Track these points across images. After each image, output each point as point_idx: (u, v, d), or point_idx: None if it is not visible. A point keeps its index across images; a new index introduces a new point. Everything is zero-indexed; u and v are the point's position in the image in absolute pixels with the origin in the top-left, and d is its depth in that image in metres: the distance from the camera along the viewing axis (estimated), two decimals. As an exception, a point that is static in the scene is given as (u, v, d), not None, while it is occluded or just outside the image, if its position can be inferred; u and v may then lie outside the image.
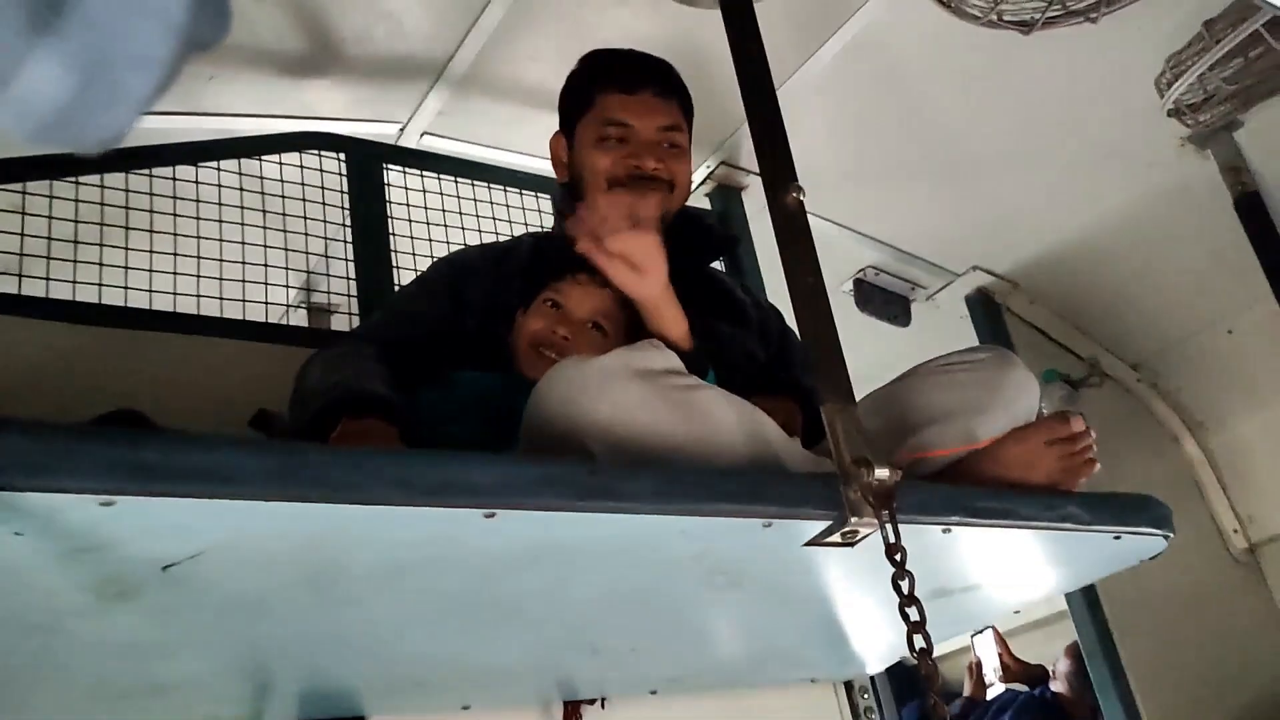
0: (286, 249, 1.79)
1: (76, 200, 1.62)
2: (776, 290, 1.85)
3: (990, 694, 3.28)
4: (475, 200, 2.05)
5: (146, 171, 1.69)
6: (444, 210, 2.01)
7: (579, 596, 1.14)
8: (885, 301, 2.81)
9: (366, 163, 1.96)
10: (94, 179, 1.64)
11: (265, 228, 1.78)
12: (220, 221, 1.74)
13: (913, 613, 1.02)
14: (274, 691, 1.26)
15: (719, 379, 1.30)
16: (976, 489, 1.21)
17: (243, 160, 1.81)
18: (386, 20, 2.00)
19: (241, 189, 1.78)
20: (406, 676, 1.30)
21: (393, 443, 1.17)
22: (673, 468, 1.02)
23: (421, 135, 2.19)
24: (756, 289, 2.02)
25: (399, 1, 1.98)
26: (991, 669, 3.30)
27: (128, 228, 1.64)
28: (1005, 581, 1.46)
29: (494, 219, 2.06)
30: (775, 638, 1.51)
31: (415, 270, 1.84)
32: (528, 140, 2.18)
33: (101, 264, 1.60)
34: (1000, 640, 3.34)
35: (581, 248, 1.28)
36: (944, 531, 1.15)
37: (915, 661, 1.06)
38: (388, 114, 2.17)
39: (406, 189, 1.98)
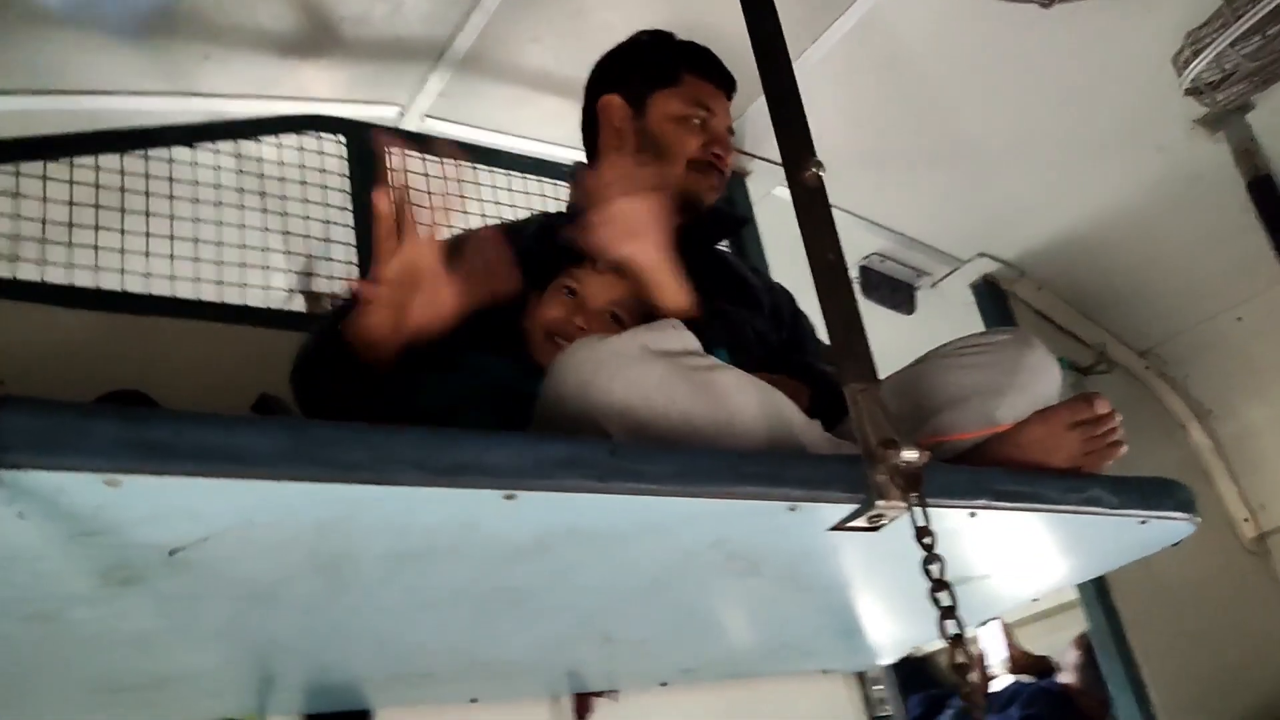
0: (286, 233, 1.75)
1: (71, 182, 1.58)
2: (781, 276, 1.83)
3: (996, 685, 3.26)
4: (478, 184, 2.02)
5: (142, 153, 1.65)
6: (446, 194, 1.96)
7: (594, 584, 1.11)
8: (891, 289, 2.78)
9: (366, 145, 1.92)
10: (88, 160, 1.60)
11: (265, 211, 1.75)
12: (218, 204, 1.70)
13: (944, 598, 0.99)
14: (278, 684, 1.23)
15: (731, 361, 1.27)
16: (1003, 471, 1.17)
17: (240, 142, 1.77)
18: (385, 1, 1.96)
19: (240, 171, 1.74)
20: (414, 668, 1.27)
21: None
22: (695, 449, 0.99)
23: (423, 118, 2.16)
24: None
25: (398, -18, 1.95)
26: (999, 660, 3.28)
27: (124, 210, 1.60)
28: (1026, 568, 1.43)
29: (496, 203, 2.03)
30: (790, 627, 1.48)
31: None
32: (530, 123, 2.15)
33: (97, 247, 1.56)
34: (1007, 631, 3.32)
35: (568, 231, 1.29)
36: (970, 515, 1.12)
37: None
38: (388, 96, 2.14)
39: (408, 171, 1.93)
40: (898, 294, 2.79)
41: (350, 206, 1.84)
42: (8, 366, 1.37)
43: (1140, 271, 2.84)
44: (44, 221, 1.53)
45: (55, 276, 1.52)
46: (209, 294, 1.64)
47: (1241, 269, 2.70)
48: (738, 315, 1.57)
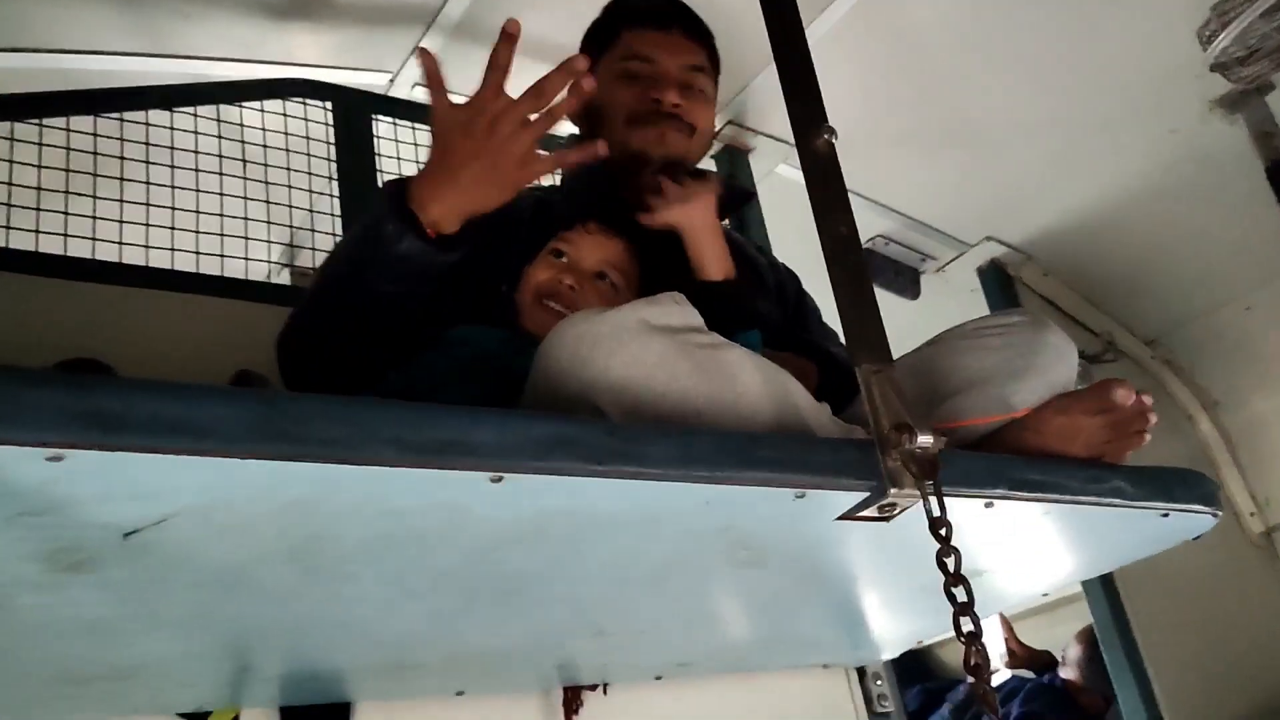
0: (269, 202, 1.68)
1: (40, 144, 1.50)
2: (784, 258, 1.76)
3: (995, 680, 3.21)
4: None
5: (117, 116, 1.58)
6: (435, 164, 1.89)
7: (588, 573, 1.04)
8: (895, 273, 2.72)
9: (354, 112, 1.85)
10: (59, 122, 1.53)
11: (245, 178, 1.67)
12: (197, 171, 1.63)
13: (959, 593, 0.93)
14: (253, 676, 1.16)
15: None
16: (1023, 459, 1.11)
17: (221, 107, 1.70)
18: (376, -39, 1.88)
19: (220, 137, 1.67)
20: (397, 660, 1.21)
21: None
22: (699, 431, 0.92)
23: (413, 86, 2.08)
24: (767, 253, 1.92)
25: (388, -57, 1.87)
26: (997, 655, 3.23)
27: (96, 175, 1.53)
28: (1039, 562, 1.37)
29: (490, 175, 1.95)
30: (791, 620, 1.42)
31: (405, 228, 1.73)
32: (524, 93, 2.07)
33: (67, 213, 1.48)
34: (1006, 625, 3.27)
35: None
36: (986, 506, 1.06)
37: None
38: (377, 63, 2.06)
39: (397, 141, 1.87)
40: (902, 278, 2.73)
41: (335, 176, 1.77)
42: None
43: (1149, 258, 2.78)
44: (9, 185, 1.46)
45: (21, 243, 1.44)
46: (185, 264, 1.57)
47: (1252, 257, 2.65)
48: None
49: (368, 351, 1.22)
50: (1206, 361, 2.97)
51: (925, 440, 0.94)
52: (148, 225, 1.54)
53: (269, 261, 1.72)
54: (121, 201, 1.53)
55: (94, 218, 1.51)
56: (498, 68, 1.14)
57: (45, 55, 1.77)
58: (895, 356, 1.23)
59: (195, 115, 1.67)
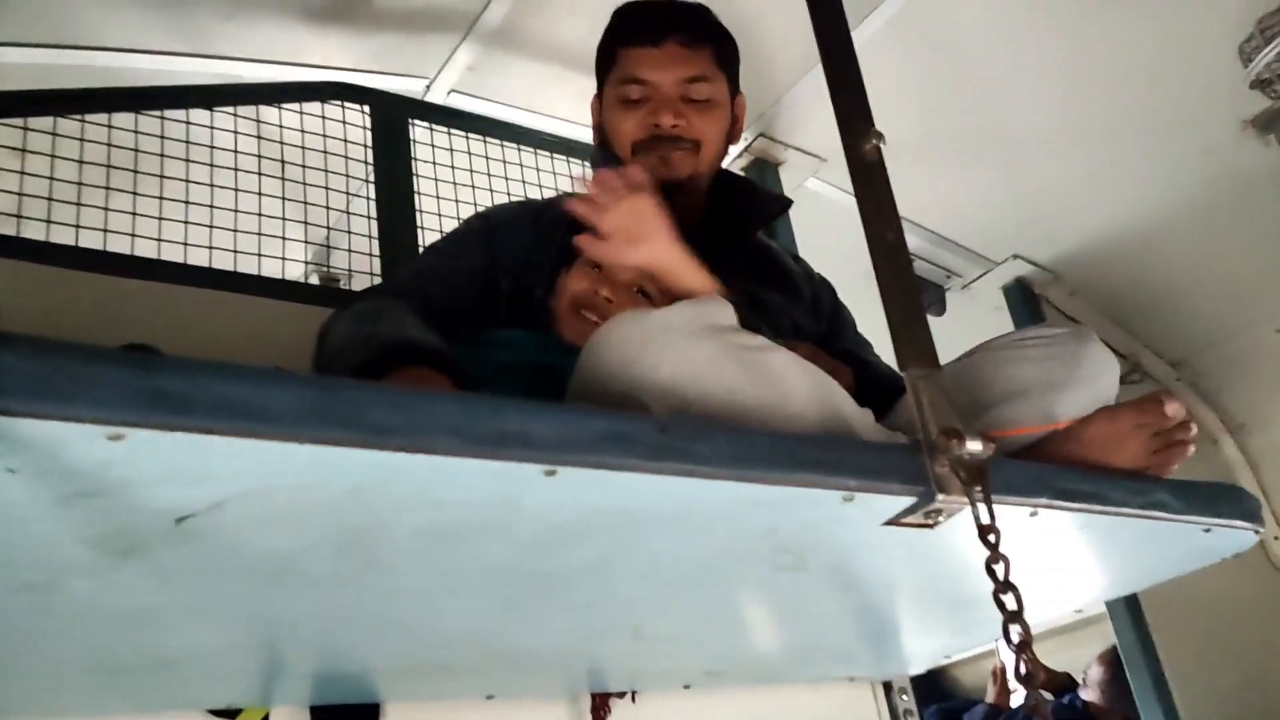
0: (305, 203, 1.68)
1: (82, 139, 1.51)
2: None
3: (1015, 701, 3.18)
4: (504, 162, 1.95)
5: (158, 114, 1.59)
6: (471, 170, 1.90)
7: (630, 572, 1.03)
8: (921, 289, 2.70)
9: (391, 117, 1.85)
10: (101, 118, 1.53)
11: (283, 179, 1.67)
12: (235, 170, 1.63)
13: (1009, 600, 0.91)
14: (286, 671, 1.16)
15: None
16: (1069, 469, 1.10)
17: (260, 108, 1.71)
18: (415, -33, 1.89)
19: (259, 137, 1.67)
20: (430, 659, 1.20)
21: None
22: (750, 430, 0.91)
23: (449, 92, 2.08)
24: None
25: (427, -49, 1.88)
26: (1014, 676, 3.21)
27: (136, 172, 1.53)
28: (1077, 575, 1.36)
29: (523, 182, 1.96)
30: (822, 629, 1.41)
31: (440, 233, 1.74)
32: (561, 102, 2.08)
33: (107, 209, 1.49)
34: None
35: (578, 241, 1.26)
36: (1031, 514, 1.05)
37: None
38: (414, 68, 2.06)
39: (433, 146, 1.87)
40: (928, 294, 2.72)
41: (371, 179, 1.77)
42: (7, 327, 1.31)
43: (1177, 279, 2.76)
44: (51, 179, 1.46)
45: (62, 237, 1.45)
46: (223, 263, 1.57)
47: (1281, 280, 2.62)
48: (776, 303, 1.50)
49: None
50: (1232, 384, 2.95)
51: (974, 446, 0.94)
52: (186, 223, 1.55)
53: (305, 262, 1.71)
54: (161, 199, 1.53)
55: (134, 214, 1.51)
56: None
57: (91, 53, 1.78)
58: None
59: (235, 115, 1.68)
